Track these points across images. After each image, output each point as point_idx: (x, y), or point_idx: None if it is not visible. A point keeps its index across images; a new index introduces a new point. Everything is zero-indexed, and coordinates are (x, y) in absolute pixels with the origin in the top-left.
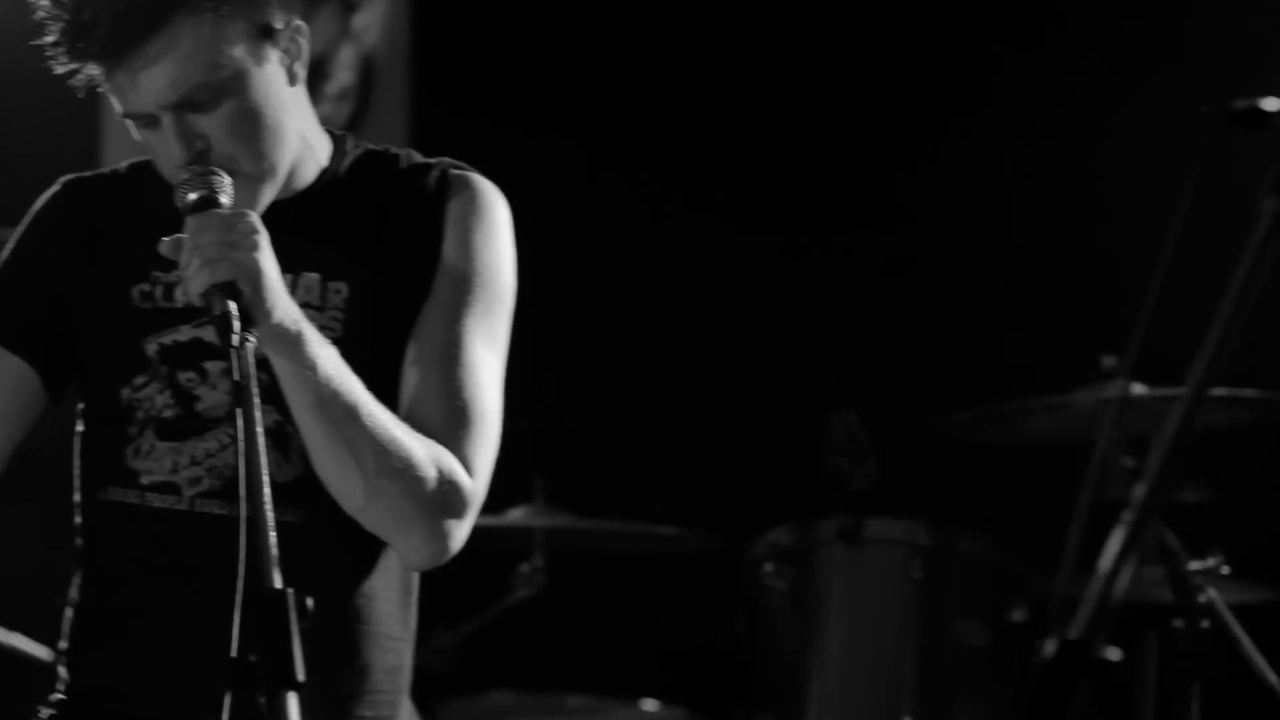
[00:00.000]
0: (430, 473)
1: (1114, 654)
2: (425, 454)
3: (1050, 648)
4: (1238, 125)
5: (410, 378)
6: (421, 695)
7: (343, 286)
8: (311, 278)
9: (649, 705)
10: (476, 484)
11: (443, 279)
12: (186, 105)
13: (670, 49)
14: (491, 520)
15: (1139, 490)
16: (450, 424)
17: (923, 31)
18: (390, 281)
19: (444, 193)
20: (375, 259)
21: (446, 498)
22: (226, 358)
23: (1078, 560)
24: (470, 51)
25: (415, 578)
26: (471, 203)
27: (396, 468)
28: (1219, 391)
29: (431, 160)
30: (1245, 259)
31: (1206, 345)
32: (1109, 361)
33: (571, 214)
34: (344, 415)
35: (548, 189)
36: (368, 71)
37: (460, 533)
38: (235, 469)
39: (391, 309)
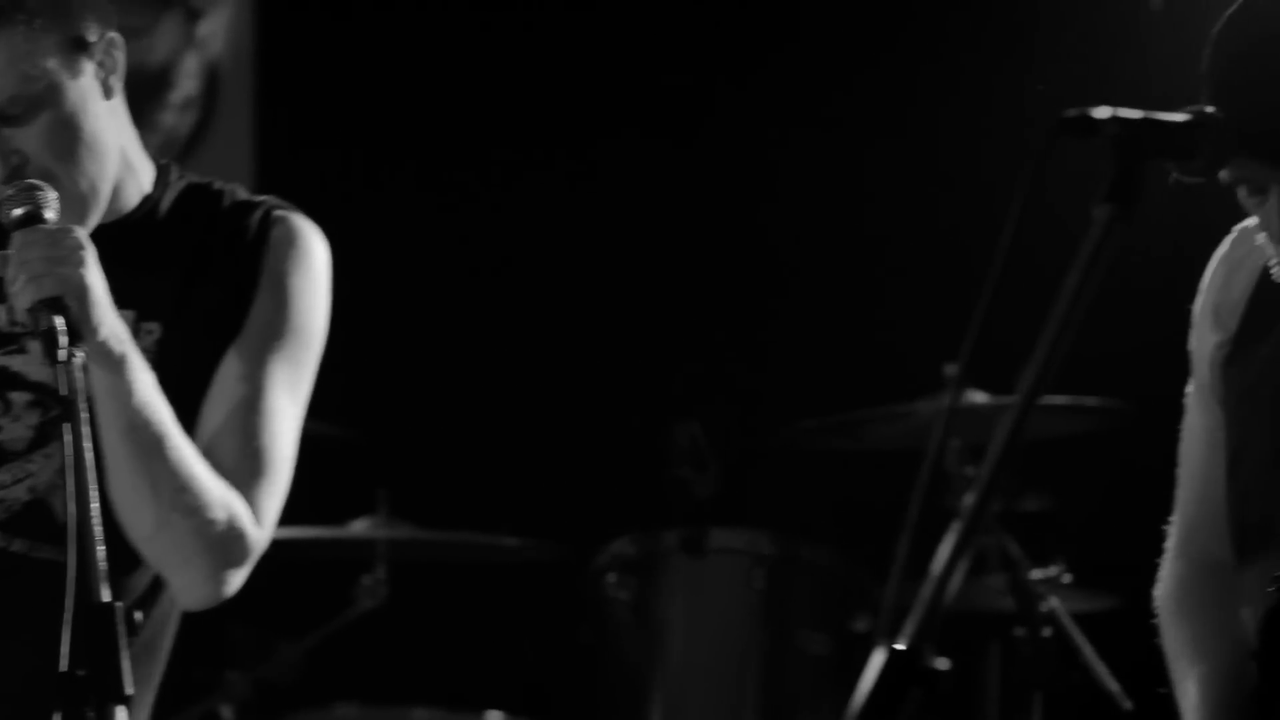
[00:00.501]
0: (220, 516)
1: (943, 663)
2: (219, 497)
3: (879, 657)
4: (1068, 134)
5: (208, 419)
6: (265, 708)
7: (155, 327)
8: (126, 315)
9: (494, 717)
10: (261, 533)
11: (253, 323)
12: (0, 119)
13: (513, 65)
14: (334, 532)
15: (968, 498)
16: (243, 471)
17: (770, 44)
18: (202, 326)
19: (264, 235)
20: (190, 301)
21: (231, 544)
22: (32, 389)
23: (915, 569)
24: (315, 59)
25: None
26: (290, 246)
27: (190, 505)
28: (1060, 400)
29: (255, 199)
30: (1076, 267)
31: (1038, 353)
32: (951, 370)
33: (417, 222)
34: (150, 443)
35: (391, 199)
36: (212, 80)
37: (236, 580)
38: (25, 504)
39: (200, 355)
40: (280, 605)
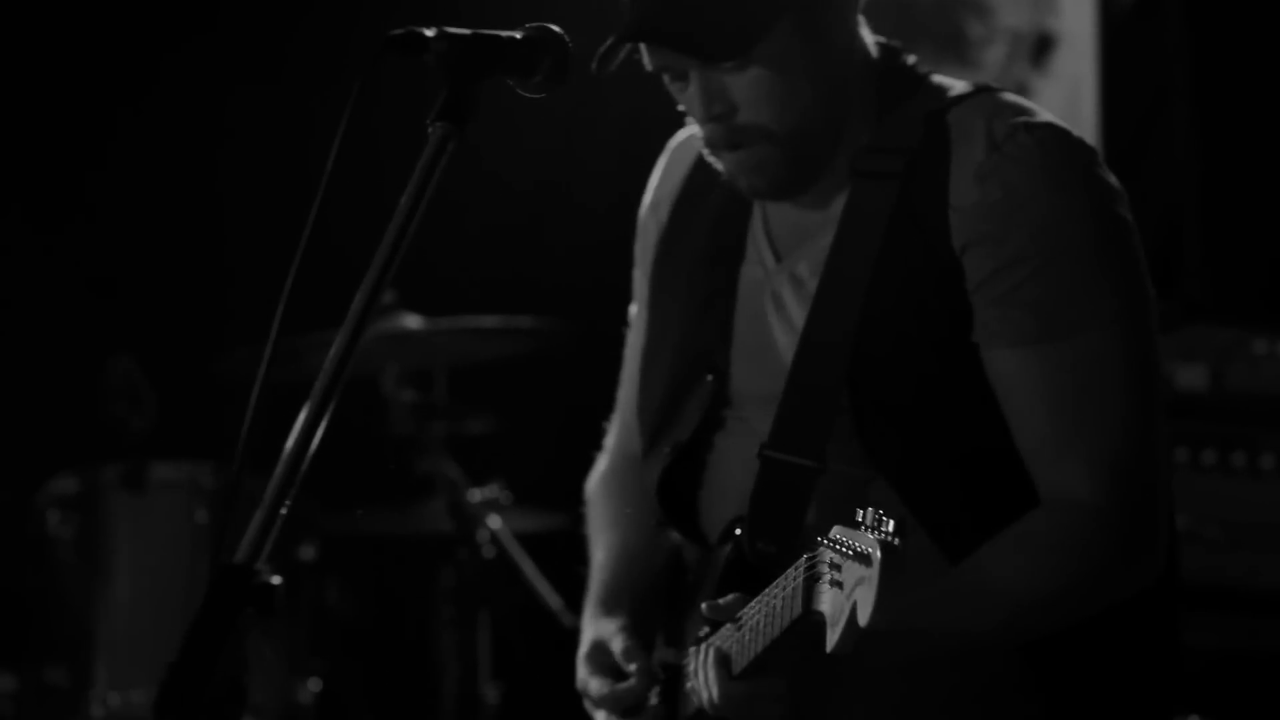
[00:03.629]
0: None
1: (276, 579)
2: None
3: (214, 574)
4: (395, 52)
5: None
6: None
7: None
8: None
9: None
10: None
11: None
12: None
13: None
14: None
15: (299, 422)
16: None
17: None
18: None
19: None
20: None
21: None
22: None
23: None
24: None
25: None
26: None
27: None
28: (494, 322)
29: None
30: (411, 183)
31: (371, 271)
32: (386, 295)
33: None
34: None
35: None
36: None
37: None
38: None
39: None
40: None
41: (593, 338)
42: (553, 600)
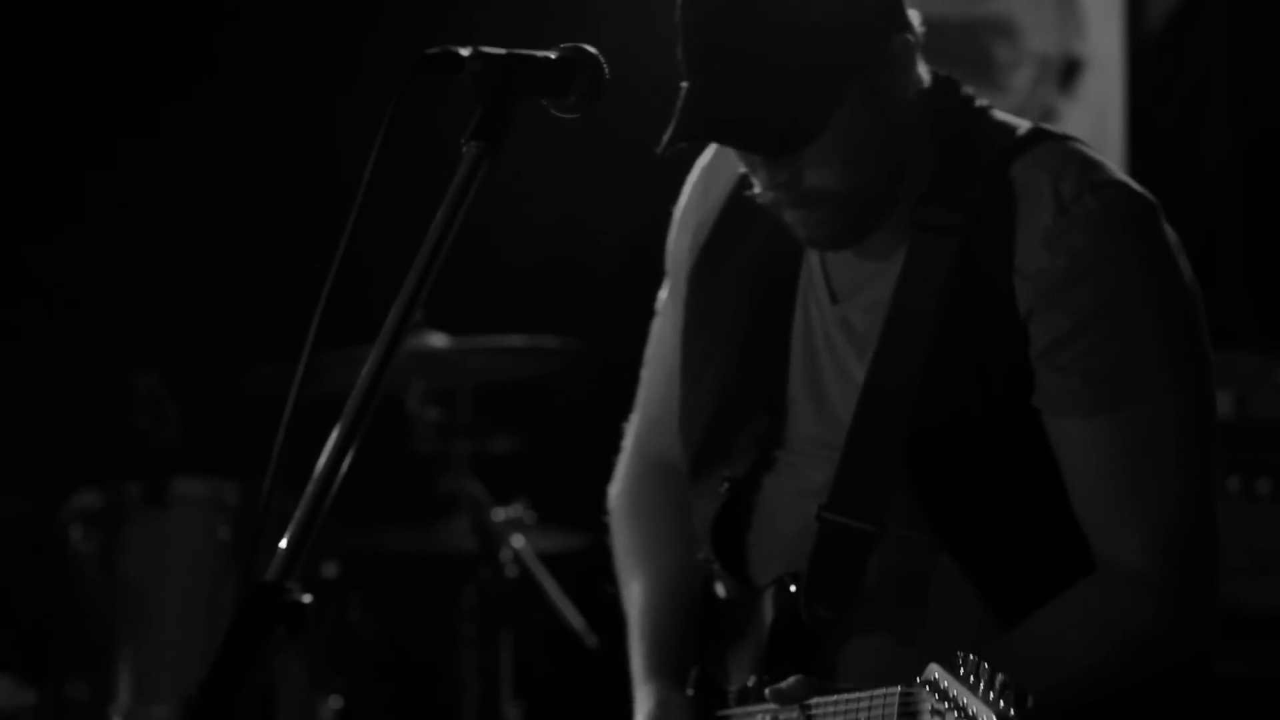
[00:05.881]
0: None
1: (307, 598)
2: None
3: (245, 591)
4: (431, 71)
5: None
6: None
7: None
8: None
9: None
10: None
11: None
12: None
13: None
14: None
15: (331, 441)
16: None
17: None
18: None
19: None
20: None
21: None
22: None
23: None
24: None
25: None
26: None
27: None
28: (518, 342)
29: None
30: (446, 202)
31: (406, 286)
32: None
33: None
34: None
35: None
36: None
37: None
38: None
39: None
40: None
41: (617, 358)
42: (575, 620)
